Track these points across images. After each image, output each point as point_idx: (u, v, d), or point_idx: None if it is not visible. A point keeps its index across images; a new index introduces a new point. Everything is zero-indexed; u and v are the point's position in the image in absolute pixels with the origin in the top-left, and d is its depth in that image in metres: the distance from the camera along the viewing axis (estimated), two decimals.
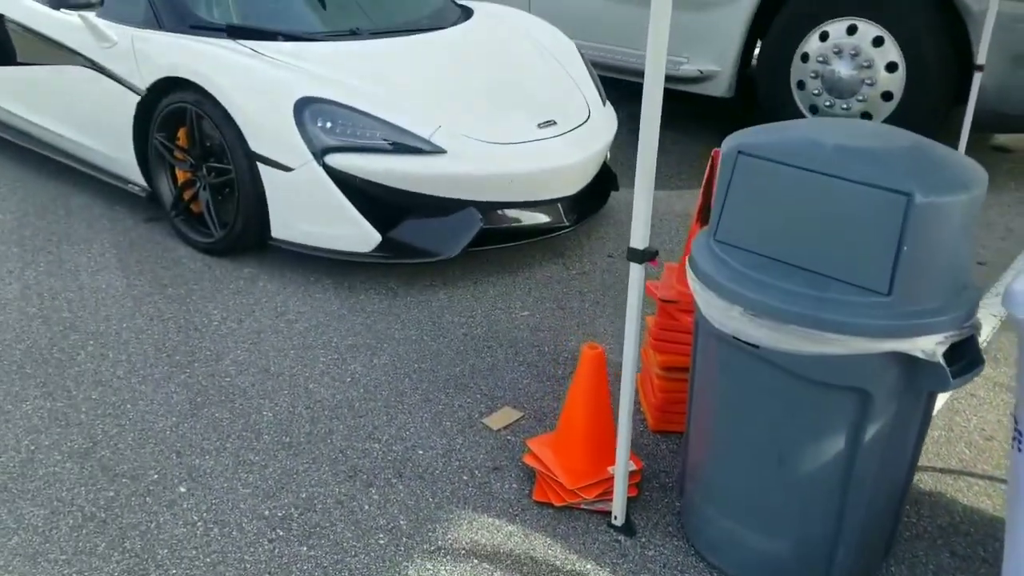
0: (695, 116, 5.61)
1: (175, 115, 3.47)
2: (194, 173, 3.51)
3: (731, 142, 1.84)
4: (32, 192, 4.02)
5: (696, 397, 1.99)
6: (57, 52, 3.81)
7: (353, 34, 3.75)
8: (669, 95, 5.68)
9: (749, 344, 1.72)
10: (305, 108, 3.15)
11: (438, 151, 3.20)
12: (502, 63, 3.86)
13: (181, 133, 3.52)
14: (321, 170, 3.14)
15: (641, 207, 1.81)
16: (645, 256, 1.84)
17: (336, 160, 3.14)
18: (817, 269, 1.66)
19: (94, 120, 3.77)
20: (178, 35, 3.52)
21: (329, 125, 3.15)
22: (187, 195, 3.56)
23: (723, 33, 4.94)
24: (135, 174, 3.71)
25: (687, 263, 1.90)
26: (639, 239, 1.83)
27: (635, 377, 1.98)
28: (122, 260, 3.45)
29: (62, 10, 3.58)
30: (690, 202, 4.19)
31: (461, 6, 4.44)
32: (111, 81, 3.60)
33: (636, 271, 1.87)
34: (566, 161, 3.44)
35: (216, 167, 3.41)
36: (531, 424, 2.49)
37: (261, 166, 3.22)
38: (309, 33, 3.69)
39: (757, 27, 4.88)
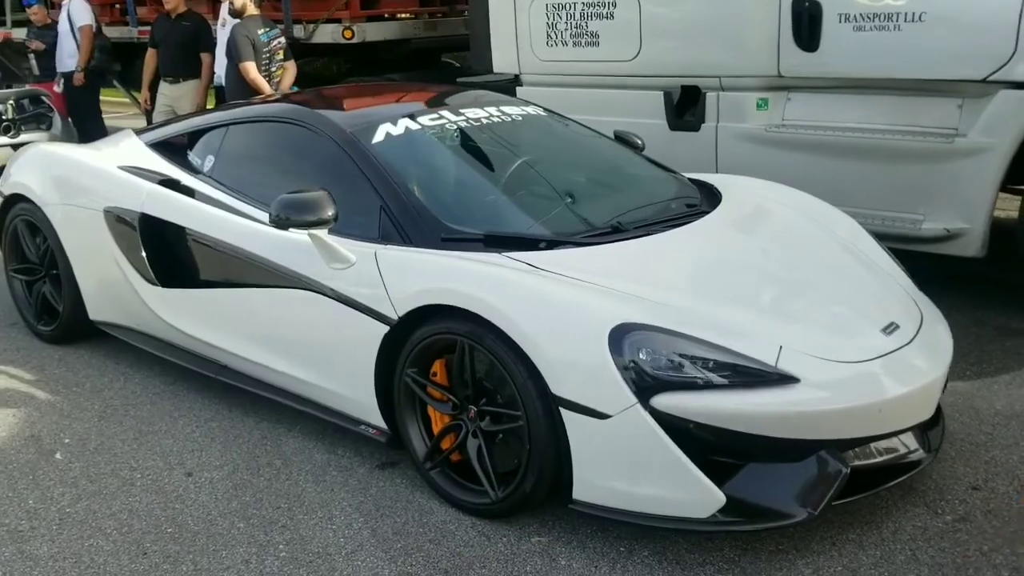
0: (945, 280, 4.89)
1: (433, 348, 2.85)
2: (457, 416, 2.85)
3: None
4: (233, 436, 3.40)
5: None
6: (264, 272, 3.26)
7: (617, 231, 3.15)
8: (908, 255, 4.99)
9: None
10: (624, 338, 2.49)
11: (789, 380, 2.51)
12: (795, 252, 3.22)
13: (437, 367, 2.89)
14: (648, 416, 2.45)
15: None
16: None
17: (665, 402, 2.46)
18: None
19: (319, 352, 3.17)
20: (430, 251, 2.95)
21: (654, 358, 2.48)
22: (447, 443, 2.89)
23: (970, 186, 4.29)
24: (373, 415, 3.06)
25: None
26: None
27: None
28: (376, 532, 2.75)
29: (291, 230, 3.03)
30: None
31: (693, 180, 3.85)
32: (346, 308, 3.00)
33: None
34: (933, 375, 2.73)
35: (493, 411, 2.74)
36: None
37: (565, 412, 2.54)
38: (570, 235, 3.10)
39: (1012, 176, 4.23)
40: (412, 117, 3.56)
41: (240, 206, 3.49)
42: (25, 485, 3.09)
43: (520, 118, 3.82)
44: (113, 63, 9.00)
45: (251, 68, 6.15)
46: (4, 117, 7.05)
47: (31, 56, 8.76)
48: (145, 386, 3.85)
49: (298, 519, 2.84)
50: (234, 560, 2.64)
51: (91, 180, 3.96)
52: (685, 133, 5.18)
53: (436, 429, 2.92)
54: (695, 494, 2.46)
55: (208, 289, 3.56)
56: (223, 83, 7.03)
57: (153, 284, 3.69)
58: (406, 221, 3.07)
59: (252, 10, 6.31)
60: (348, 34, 6.81)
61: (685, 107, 5.19)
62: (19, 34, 9.83)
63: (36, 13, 8.80)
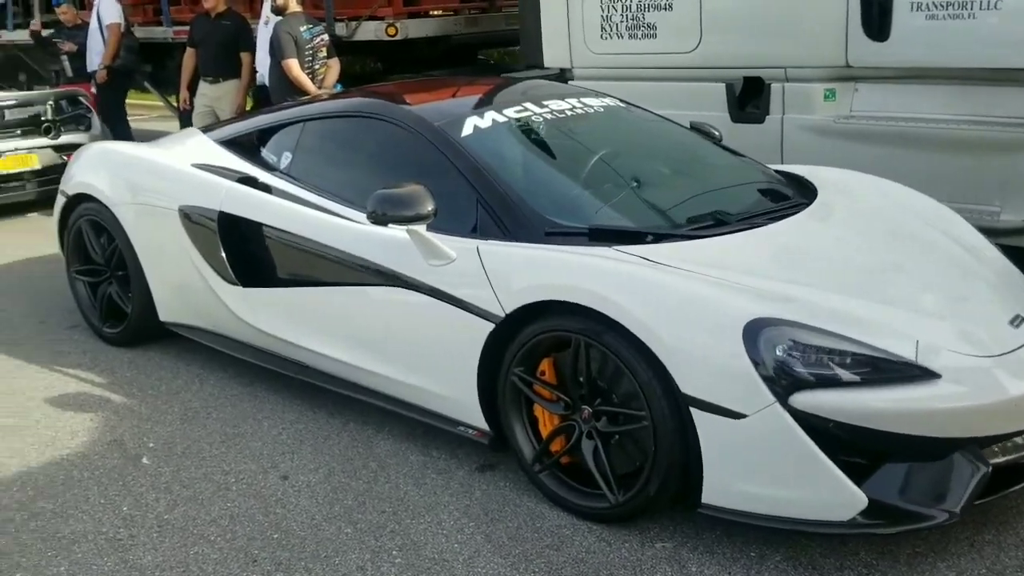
0: None
1: (542, 346, 2.75)
2: (569, 417, 2.75)
3: None
4: (322, 438, 3.30)
5: None
6: (354, 269, 3.16)
7: (721, 223, 3.05)
8: None
9: None
10: (759, 334, 2.39)
11: (930, 375, 2.41)
12: (908, 244, 3.12)
13: (546, 366, 2.79)
14: (787, 415, 2.35)
15: None
16: None
17: (804, 400, 2.35)
18: None
19: (415, 351, 3.07)
20: (535, 246, 2.85)
21: (792, 354, 2.38)
22: (557, 445, 2.79)
23: None
24: (474, 416, 2.96)
25: None
26: None
27: None
28: (490, 538, 2.66)
29: (390, 225, 2.93)
30: None
31: (781, 172, 3.75)
32: (446, 305, 2.91)
33: None
34: None
35: (611, 411, 2.65)
36: None
37: (695, 412, 2.44)
38: (675, 227, 3.00)
39: None
40: (497, 109, 3.47)
41: (323, 203, 3.39)
42: (116, 491, 3.00)
43: (602, 109, 3.72)
44: (142, 64, 8.92)
45: (294, 65, 6.06)
46: (44, 118, 6.97)
47: (63, 58, 8.68)
48: (222, 388, 3.75)
49: (406, 524, 2.75)
50: (348, 567, 2.55)
51: (164, 179, 3.88)
52: (748, 125, 5.06)
53: (544, 430, 2.83)
54: (836, 496, 2.36)
55: (291, 288, 3.47)
56: (265, 82, 6.94)
57: (232, 283, 3.60)
58: (506, 215, 2.97)
59: (294, 7, 6.22)
60: (391, 31, 6.71)
61: (748, 99, 5.08)
62: (48, 34, 9.75)
63: (65, 13, 8.72)
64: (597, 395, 2.69)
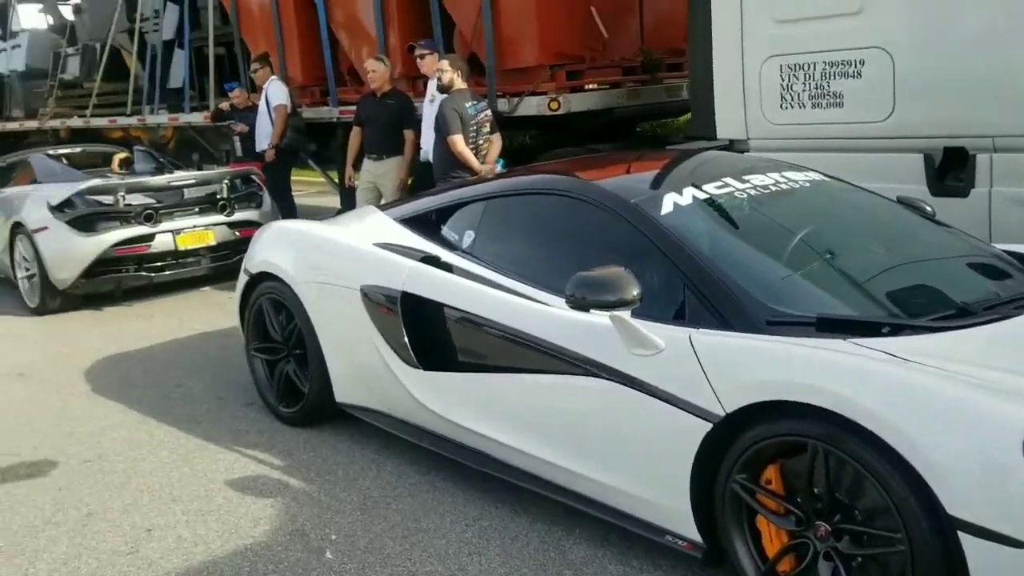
0: None
1: (768, 450, 2.45)
2: (801, 533, 2.43)
3: None
4: (510, 539, 3.08)
5: None
6: (547, 356, 2.96)
7: (965, 313, 2.69)
8: None
9: None
10: None
11: None
12: None
13: (771, 474, 2.48)
14: None
15: None
16: None
17: None
18: None
19: (615, 449, 2.82)
20: (758, 337, 2.58)
21: None
22: (786, 565, 2.46)
23: None
24: (684, 525, 2.67)
25: None
26: None
27: None
28: None
29: (592, 311, 2.73)
30: None
31: (1010, 253, 3.34)
32: (653, 400, 2.66)
33: None
34: None
35: (855, 530, 2.31)
36: None
37: (964, 536, 2.08)
38: (914, 318, 2.66)
39: None
40: (695, 185, 3.25)
41: (511, 284, 3.24)
42: None
43: (808, 184, 3.44)
44: (308, 143, 9.26)
45: (459, 141, 6.07)
46: (219, 196, 7.25)
47: (235, 139, 9.12)
48: (400, 476, 3.61)
49: None
50: None
51: (346, 258, 3.84)
52: (950, 199, 4.64)
53: (770, 546, 2.50)
54: None
55: (475, 373, 3.30)
56: (429, 158, 7.02)
57: (413, 366, 3.48)
58: (721, 302, 2.72)
59: (459, 84, 6.26)
60: (554, 105, 6.66)
61: (948, 170, 4.67)
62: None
63: (238, 96, 9.20)
64: (836, 510, 2.35)
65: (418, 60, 6.94)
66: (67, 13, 14.74)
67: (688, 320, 2.75)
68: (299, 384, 4.14)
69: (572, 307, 2.77)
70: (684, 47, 7.94)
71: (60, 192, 6.83)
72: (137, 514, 3.42)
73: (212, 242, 7.15)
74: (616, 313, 2.70)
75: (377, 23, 7.89)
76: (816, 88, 5.12)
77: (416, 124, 7.47)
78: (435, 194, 4.19)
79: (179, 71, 11.70)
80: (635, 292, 2.67)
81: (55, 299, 6.85)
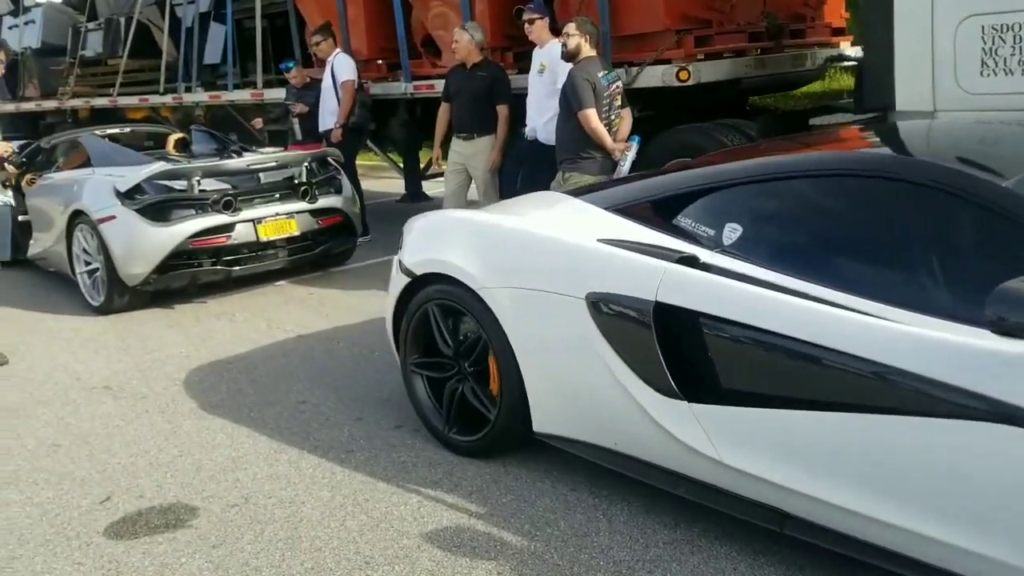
0: None
1: None
2: None
3: None
4: None
5: None
6: (921, 393, 2.21)
7: None
8: None
9: None
10: None
11: None
12: None
13: None
14: None
15: None
16: None
17: None
18: None
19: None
20: None
21: None
22: None
23: None
24: None
25: None
26: None
27: None
28: None
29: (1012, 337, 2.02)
30: None
31: None
32: None
33: None
34: None
35: None
36: None
37: None
38: None
39: None
40: None
41: (825, 294, 2.50)
42: None
43: None
44: (370, 122, 8.52)
45: (593, 116, 5.33)
46: (298, 181, 6.49)
47: (294, 120, 8.35)
48: (643, 529, 2.90)
49: None
50: None
51: (561, 258, 3.10)
52: None
53: None
54: None
55: (782, 410, 2.55)
56: (536, 136, 6.28)
57: (669, 396, 2.75)
58: None
59: (588, 51, 5.50)
60: (684, 75, 5.90)
61: None
62: (270, 94, 9.53)
63: (295, 76, 8.43)
64: None
65: (526, 26, 6.19)
66: None
67: None
68: (481, 408, 3.43)
69: (999, 333, 2.05)
70: (805, 12, 7.29)
71: (127, 177, 6.06)
72: None
73: (295, 232, 6.40)
74: None
75: None
76: None
77: (509, 98, 6.73)
78: (649, 177, 3.46)
79: (216, 46, 10.92)
80: None
81: (123, 296, 6.09)
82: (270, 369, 4.80)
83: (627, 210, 3.18)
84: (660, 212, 3.11)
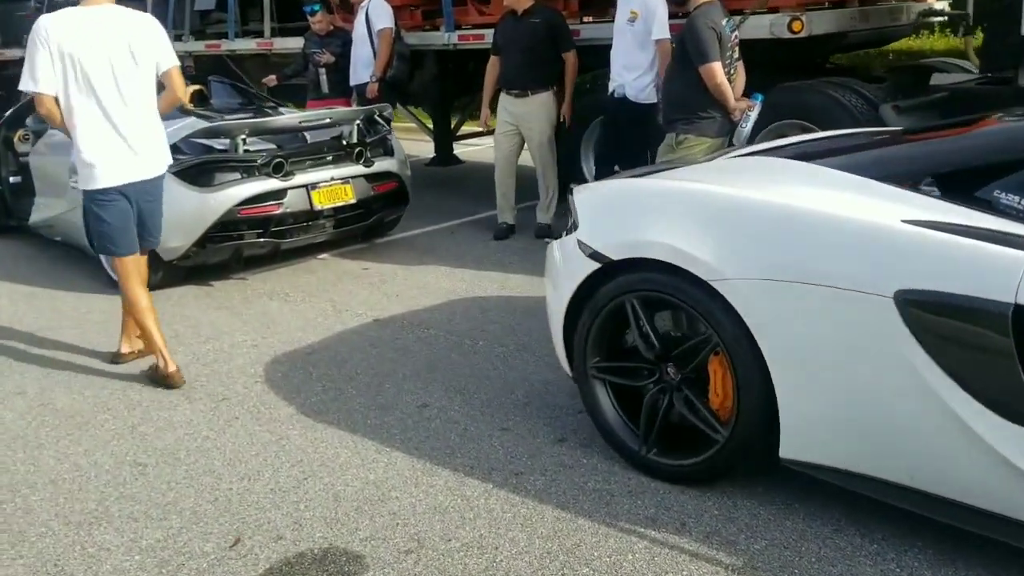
0: None
1: None
2: None
3: None
4: None
5: None
6: None
7: None
8: None
9: None
10: None
11: None
12: None
13: None
14: None
15: None
16: None
17: None
18: None
19: None
20: None
21: None
22: None
23: None
24: None
25: None
26: None
27: None
28: None
29: None
30: None
31: None
32: None
33: None
34: None
35: None
36: None
37: None
38: None
39: None
40: None
41: None
42: None
43: None
44: (409, 76, 7.70)
45: (718, 70, 4.65)
46: (348, 141, 5.69)
47: (321, 71, 7.49)
48: None
49: None
50: None
51: (854, 244, 2.40)
52: None
53: None
54: None
55: None
56: (625, 93, 5.58)
57: None
58: None
59: None
60: (797, 26, 5.24)
61: None
62: (281, 44, 8.63)
63: (320, 21, 7.53)
64: None
65: None
66: None
67: None
68: (702, 425, 2.78)
69: None
70: None
71: None
72: None
73: (350, 199, 5.61)
74: None
75: None
76: None
77: (572, 43, 6.01)
78: (918, 140, 2.81)
79: None
80: None
81: (157, 272, 5.22)
82: (364, 363, 4.09)
83: (919, 184, 2.53)
84: (969, 187, 2.46)
